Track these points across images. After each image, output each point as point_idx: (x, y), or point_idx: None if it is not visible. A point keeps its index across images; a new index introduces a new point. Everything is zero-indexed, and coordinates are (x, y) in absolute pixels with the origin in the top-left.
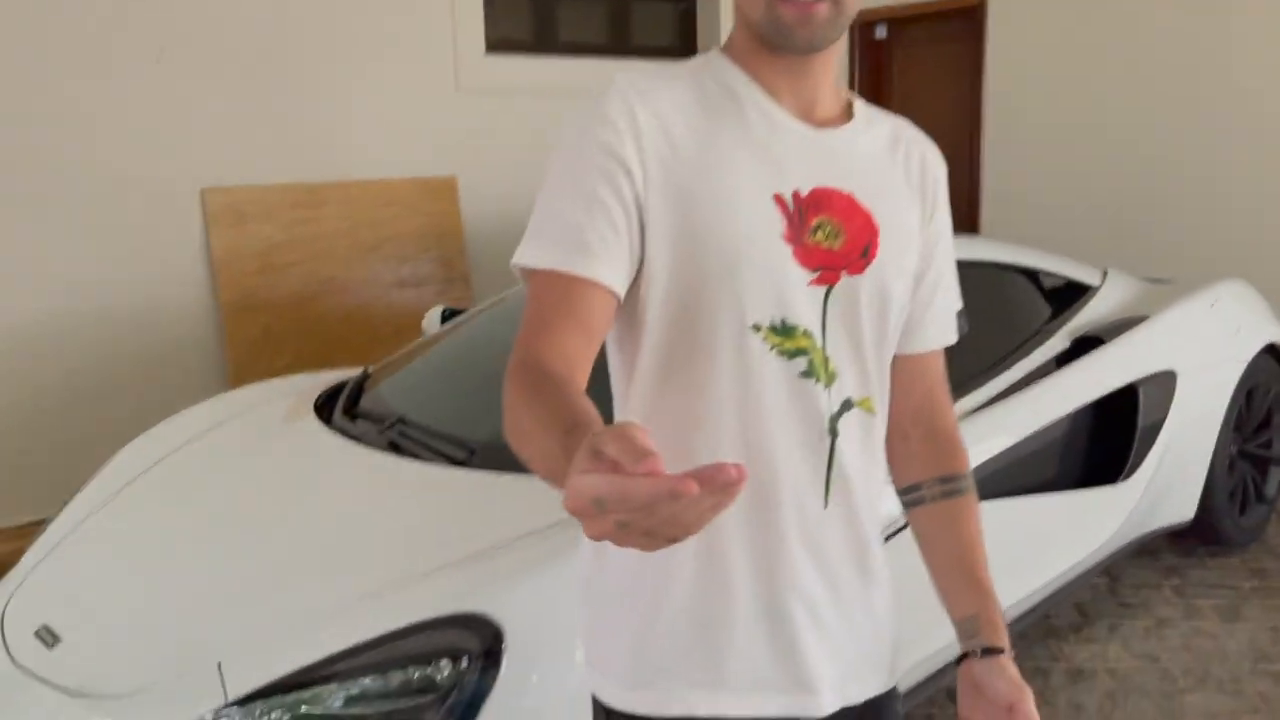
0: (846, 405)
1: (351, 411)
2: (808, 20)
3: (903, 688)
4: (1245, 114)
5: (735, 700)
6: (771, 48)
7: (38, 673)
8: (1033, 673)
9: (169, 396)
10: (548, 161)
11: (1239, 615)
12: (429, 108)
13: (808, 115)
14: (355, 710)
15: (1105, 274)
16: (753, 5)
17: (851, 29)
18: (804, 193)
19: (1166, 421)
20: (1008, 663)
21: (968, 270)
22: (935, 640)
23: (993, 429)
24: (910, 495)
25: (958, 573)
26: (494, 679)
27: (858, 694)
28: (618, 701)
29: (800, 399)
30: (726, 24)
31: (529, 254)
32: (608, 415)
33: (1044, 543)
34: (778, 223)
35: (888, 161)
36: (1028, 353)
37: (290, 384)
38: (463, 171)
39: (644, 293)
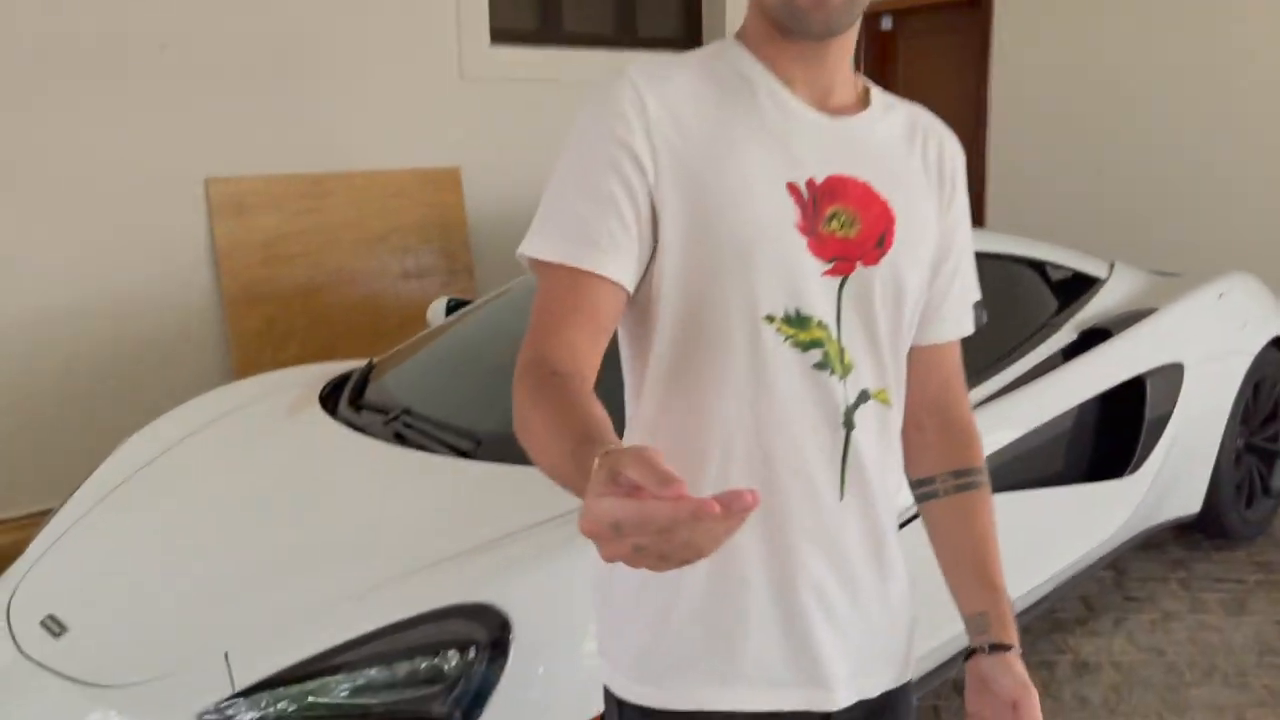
0: (863, 397)
1: (357, 403)
2: (823, 4)
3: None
4: (1252, 106)
5: (748, 695)
6: (786, 33)
7: (45, 662)
8: (1038, 665)
9: (173, 387)
10: (559, 151)
11: (1245, 609)
12: (433, 98)
13: (823, 102)
14: (362, 700)
15: (1112, 266)
16: None
17: None
18: (819, 181)
19: (1174, 414)
20: (1015, 660)
21: (974, 262)
22: (942, 632)
23: (999, 422)
24: (923, 488)
25: (969, 568)
26: (501, 669)
27: (873, 687)
28: (630, 694)
29: (815, 391)
30: (732, 14)
31: (536, 245)
32: (618, 406)
33: (1050, 536)
34: (791, 212)
35: (905, 149)
36: (1035, 345)
37: (295, 375)
38: (467, 162)
39: (656, 284)
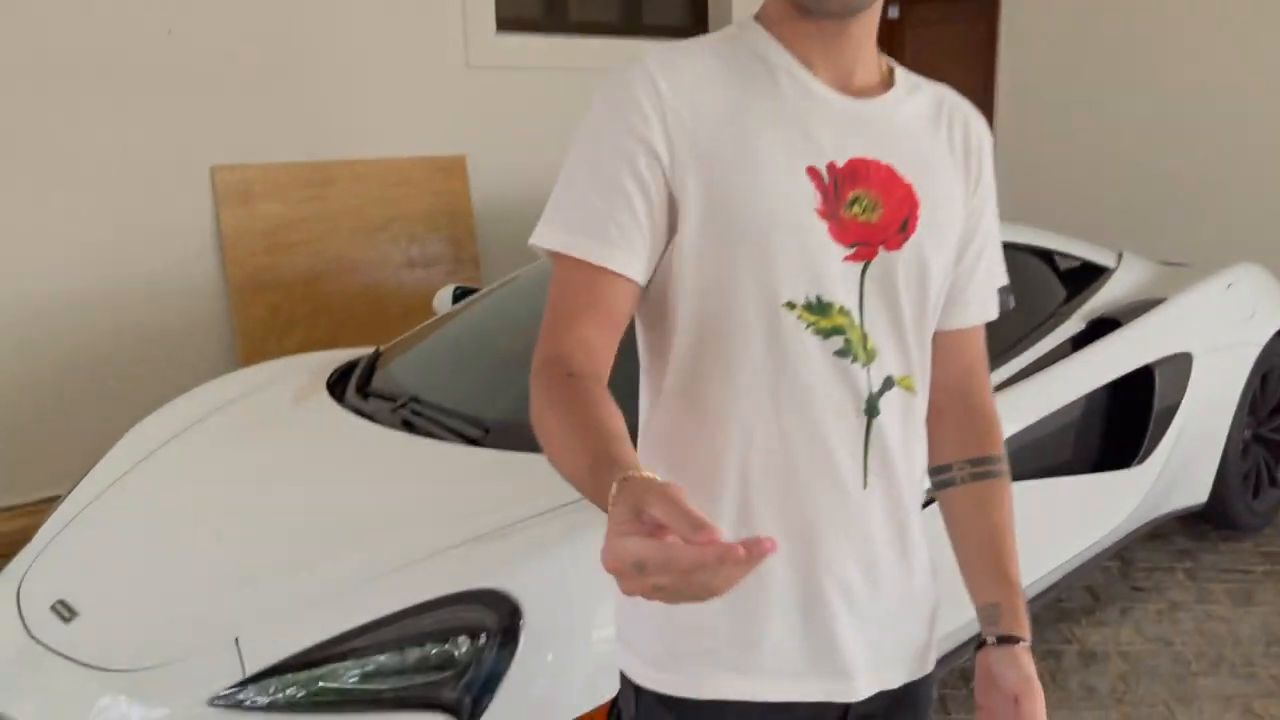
0: (887, 384)
1: (364, 390)
2: None
3: None
4: (1262, 97)
5: (767, 685)
6: (805, 13)
7: (55, 647)
8: (1045, 655)
9: (179, 374)
10: (570, 138)
11: (1251, 599)
12: (439, 86)
13: (845, 84)
14: (371, 686)
15: (1120, 256)
16: None
17: None
18: (840, 165)
19: (1182, 404)
20: (1022, 653)
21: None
22: (950, 620)
23: (1007, 411)
24: (940, 476)
25: (983, 559)
26: (512, 656)
27: (894, 678)
28: (648, 681)
29: (837, 378)
30: (739, 2)
31: (547, 235)
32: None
33: (1058, 526)
34: (811, 197)
35: (930, 131)
36: (1043, 335)
37: (302, 362)
38: (472, 151)
39: (675, 271)
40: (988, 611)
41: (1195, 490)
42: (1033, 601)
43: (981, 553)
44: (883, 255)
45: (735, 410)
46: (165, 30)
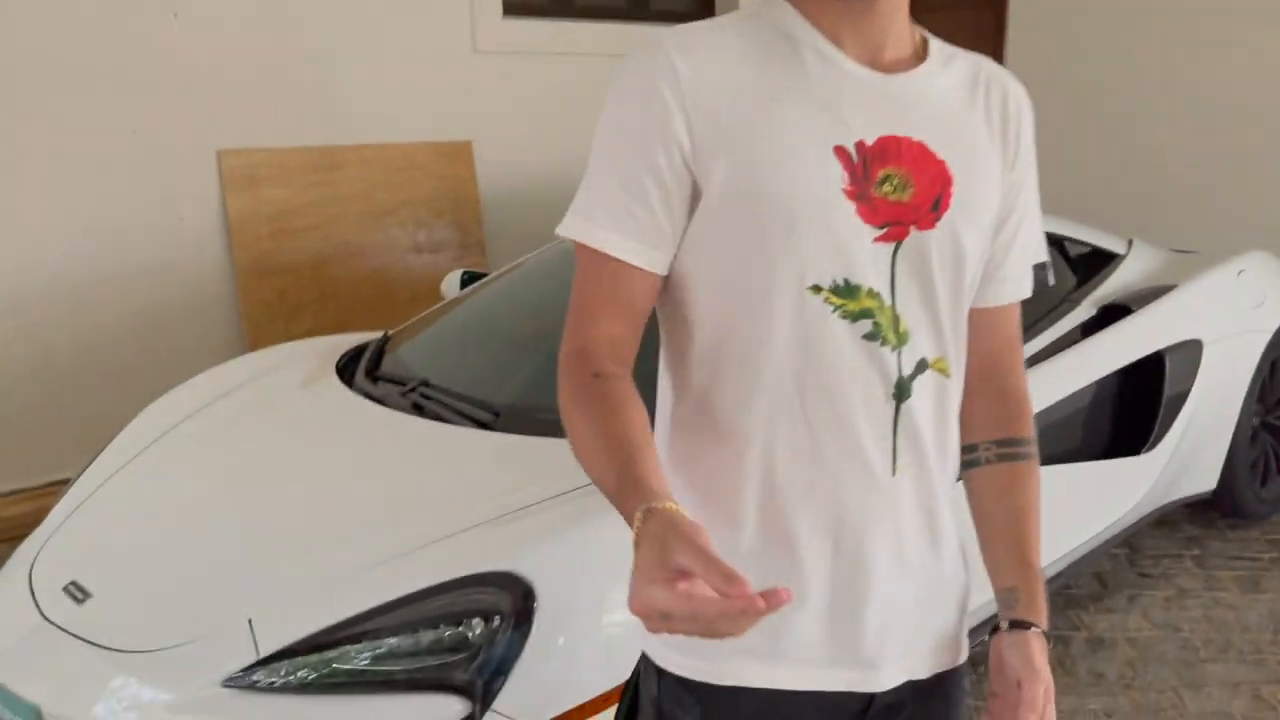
0: (920, 367)
1: (373, 374)
2: None
3: None
4: (1272, 83)
5: (791, 674)
6: None
7: (68, 628)
8: (1053, 641)
9: (185, 358)
10: (579, 124)
11: (1259, 586)
12: (445, 70)
13: (875, 59)
14: (384, 667)
15: (1131, 243)
16: None
17: None
18: (869, 143)
19: (1192, 391)
20: (1033, 640)
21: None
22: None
23: None
24: (966, 455)
25: (1004, 542)
26: (525, 638)
27: (923, 669)
28: (670, 664)
29: (865, 363)
30: None
31: (573, 226)
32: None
33: (1067, 512)
34: (839, 177)
35: (966, 104)
36: (1054, 321)
37: (310, 346)
38: (479, 136)
39: (695, 255)
40: (1005, 595)
41: (1204, 478)
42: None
43: (1002, 536)
44: (915, 235)
45: (758, 397)
46: (171, 14)
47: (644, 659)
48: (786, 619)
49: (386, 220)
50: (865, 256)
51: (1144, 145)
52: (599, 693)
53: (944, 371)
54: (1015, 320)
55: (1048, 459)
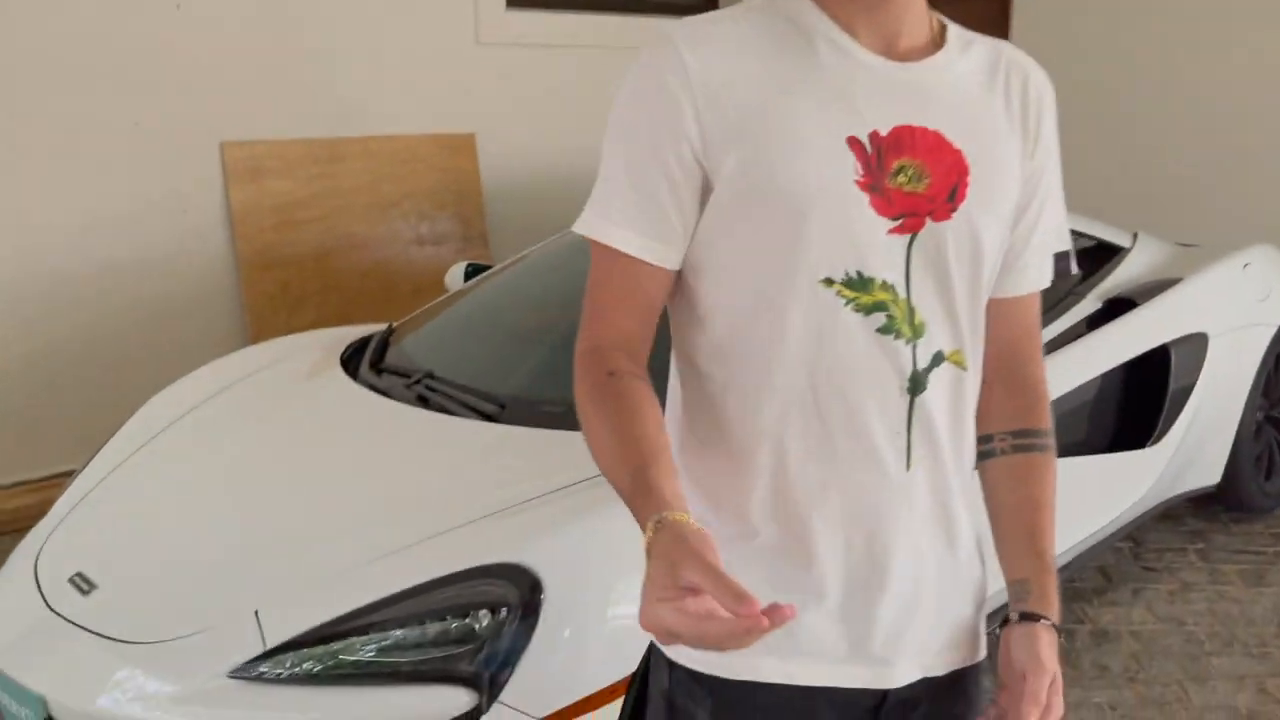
0: (936, 360)
1: (378, 366)
2: None
3: None
4: (1277, 77)
5: (804, 669)
6: None
7: (74, 619)
8: (1062, 634)
9: (188, 350)
10: (608, 123)
11: (1263, 580)
12: (449, 63)
13: (890, 48)
14: (390, 659)
15: (1135, 236)
16: None
17: None
18: (883, 133)
19: (1197, 385)
20: (1041, 632)
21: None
22: None
23: None
24: (981, 446)
25: (1017, 533)
26: (532, 630)
27: (939, 665)
28: (681, 657)
29: (879, 357)
30: None
31: (587, 223)
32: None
33: (1072, 506)
34: (852, 168)
35: (985, 91)
36: (1059, 314)
37: (314, 338)
38: (482, 128)
39: (709, 249)
40: (1016, 587)
41: (1208, 471)
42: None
43: (1016, 527)
44: (930, 226)
45: (770, 392)
46: (174, 5)
47: (654, 651)
48: (800, 615)
49: (389, 212)
50: (879, 249)
51: (1148, 137)
52: (605, 684)
53: (960, 364)
54: (1035, 310)
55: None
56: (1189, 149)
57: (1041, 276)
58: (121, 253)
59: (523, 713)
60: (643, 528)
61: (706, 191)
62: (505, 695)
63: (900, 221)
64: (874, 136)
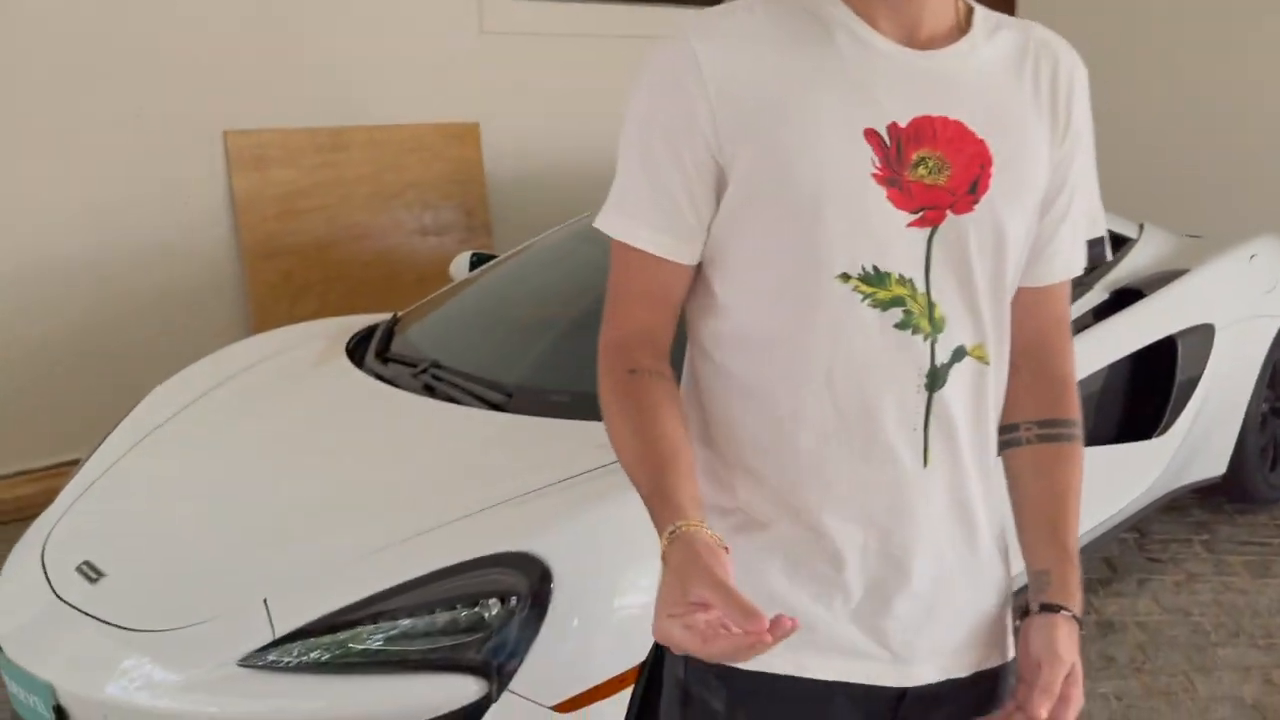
0: (957, 355)
1: (384, 355)
2: None
3: None
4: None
5: (819, 663)
6: None
7: (82, 607)
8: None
9: (192, 339)
10: (623, 120)
11: (1269, 570)
12: (453, 52)
13: (911, 36)
14: (399, 647)
15: (1142, 227)
16: None
17: None
18: (903, 124)
19: (1203, 376)
20: (1061, 623)
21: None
22: None
23: None
24: (1006, 435)
25: (1040, 524)
26: (541, 620)
27: (961, 667)
28: None
29: (896, 352)
30: None
31: (606, 220)
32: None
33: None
34: (869, 161)
35: (1012, 77)
36: None
37: (319, 328)
38: (486, 117)
39: (725, 244)
40: (1037, 579)
41: (1214, 462)
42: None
43: (1038, 517)
44: (951, 219)
45: (783, 385)
46: None
47: None
48: (815, 608)
49: (393, 202)
50: (897, 243)
51: (1152, 129)
52: (615, 673)
53: (983, 359)
54: (1064, 299)
55: None
56: (1193, 140)
57: (1071, 265)
58: (124, 242)
59: (533, 701)
60: (659, 534)
61: (722, 187)
62: (515, 684)
63: (920, 214)
64: (893, 128)
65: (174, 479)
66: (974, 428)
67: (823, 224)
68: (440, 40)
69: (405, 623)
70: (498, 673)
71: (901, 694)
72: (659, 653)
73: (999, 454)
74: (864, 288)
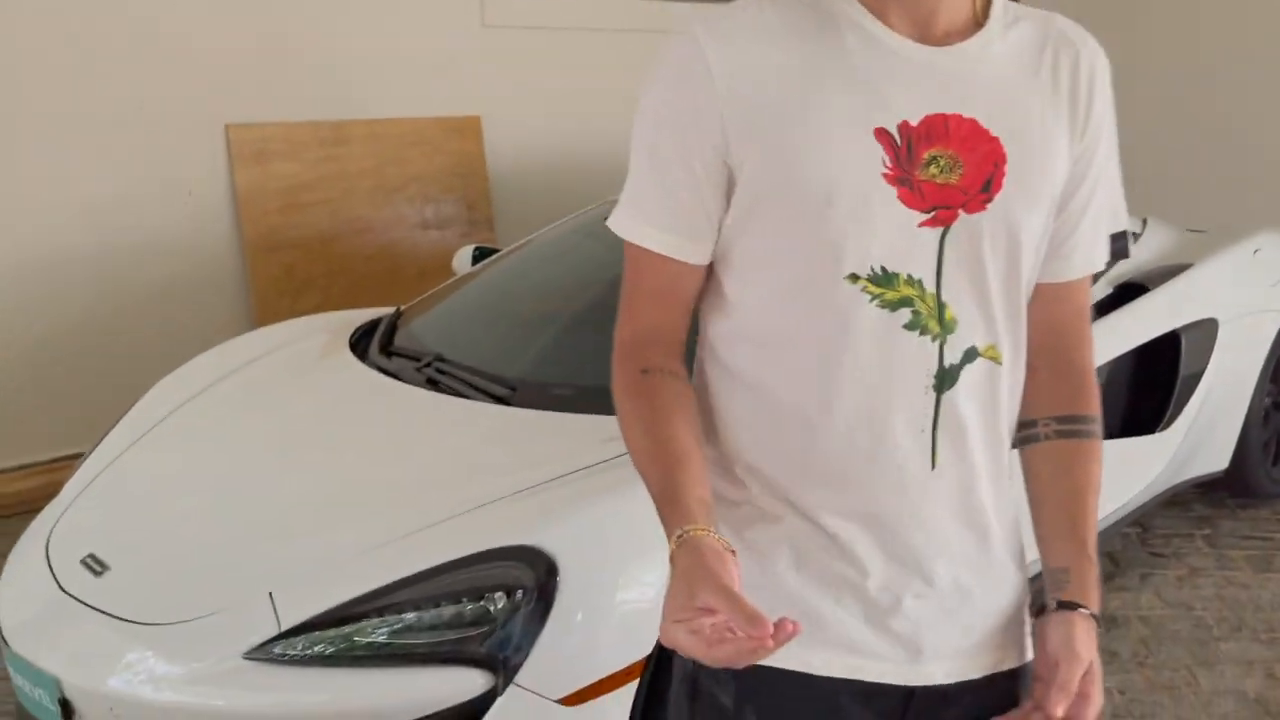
0: (969, 356)
1: (387, 349)
2: None
3: None
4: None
5: (828, 659)
6: None
7: (87, 600)
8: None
9: (193, 333)
10: (634, 120)
11: (1271, 565)
12: (455, 45)
13: (924, 31)
14: (405, 641)
15: (1145, 222)
16: None
17: None
18: (914, 123)
19: (1207, 370)
20: (1079, 621)
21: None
22: None
23: None
24: (1025, 431)
25: (1058, 521)
26: (547, 613)
27: (974, 669)
28: None
29: (903, 353)
30: None
31: (619, 221)
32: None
33: None
34: (879, 160)
35: (1030, 71)
36: None
37: (322, 321)
38: (488, 111)
39: (734, 244)
40: (1055, 576)
41: (1216, 457)
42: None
43: (1057, 515)
44: (964, 219)
45: (791, 385)
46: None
47: None
48: (823, 605)
49: (394, 196)
50: (907, 243)
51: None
52: (621, 667)
53: (995, 359)
54: (1084, 294)
55: None
56: (1196, 134)
57: (1091, 260)
58: (126, 235)
59: (539, 695)
60: (668, 537)
61: (731, 186)
62: (520, 677)
63: (932, 214)
64: (903, 127)
65: (178, 472)
66: (985, 429)
67: (831, 224)
68: (442, 34)
69: (410, 616)
70: (503, 666)
71: (911, 693)
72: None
73: (1018, 450)
74: (872, 288)
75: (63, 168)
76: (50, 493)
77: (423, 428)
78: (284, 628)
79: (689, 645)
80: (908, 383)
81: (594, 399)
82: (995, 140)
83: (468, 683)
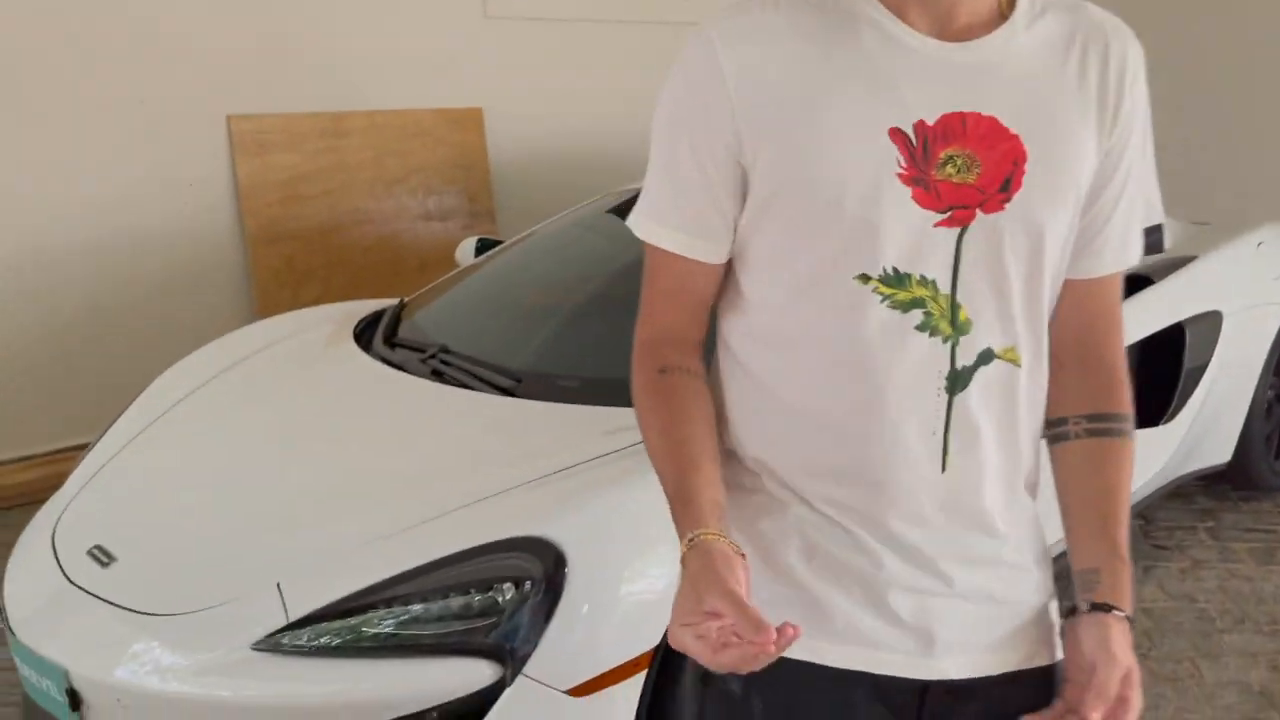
0: (984, 358)
1: (391, 340)
2: None
3: None
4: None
5: (837, 651)
6: None
7: (94, 591)
8: (1068, 611)
9: (194, 325)
10: (652, 122)
11: (1274, 558)
12: (456, 36)
13: (944, 27)
14: (412, 632)
15: None
16: None
17: None
18: (930, 122)
19: (1210, 363)
20: (1114, 622)
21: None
22: None
23: None
24: (1054, 429)
25: (1089, 521)
26: (556, 604)
27: (991, 665)
28: None
29: (915, 355)
30: None
31: (638, 223)
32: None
33: None
34: (893, 161)
35: (1055, 65)
36: None
37: (325, 313)
38: (489, 102)
39: (749, 244)
40: (1085, 577)
41: (1219, 450)
42: (1057, 559)
43: (1087, 514)
44: (981, 219)
45: (802, 384)
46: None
47: None
48: (833, 598)
49: (396, 187)
50: (923, 243)
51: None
52: (629, 657)
53: (1014, 361)
54: (1114, 291)
55: None
56: (1200, 127)
57: (1122, 256)
58: (127, 227)
59: (547, 685)
60: (680, 538)
61: (746, 186)
62: (529, 668)
63: (949, 214)
64: (919, 126)
65: (184, 464)
66: (1001, 431)
67: (843, 224)
68: (444, 25)
69: (418, 607)
70: (511, 657)
71: (925, 688)
72: None
73: (1048, 448)
74: (884, 289)
75: (64, 160)
76: (52, 484)
77: (428, 419)
78: (292, 619)
79: (695, 649)
80: (919, 385)
81: (599, 390)
82: (1015, 138)
83: (476, 673)
